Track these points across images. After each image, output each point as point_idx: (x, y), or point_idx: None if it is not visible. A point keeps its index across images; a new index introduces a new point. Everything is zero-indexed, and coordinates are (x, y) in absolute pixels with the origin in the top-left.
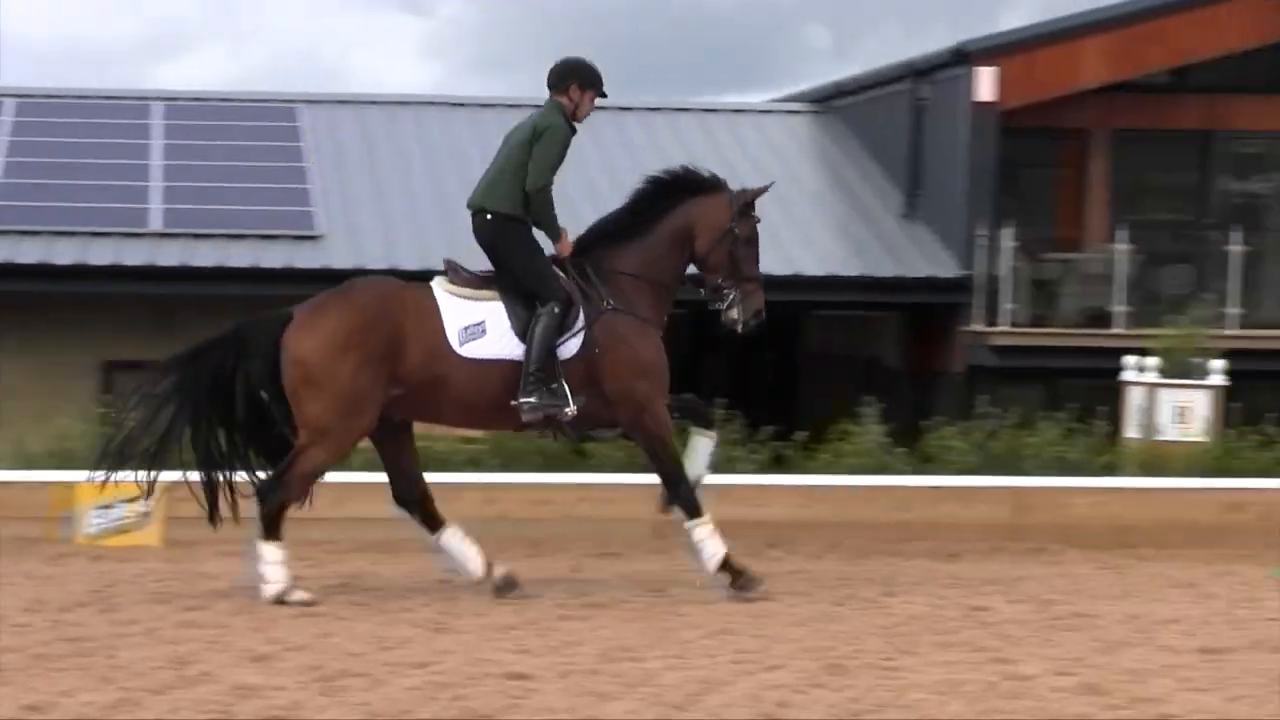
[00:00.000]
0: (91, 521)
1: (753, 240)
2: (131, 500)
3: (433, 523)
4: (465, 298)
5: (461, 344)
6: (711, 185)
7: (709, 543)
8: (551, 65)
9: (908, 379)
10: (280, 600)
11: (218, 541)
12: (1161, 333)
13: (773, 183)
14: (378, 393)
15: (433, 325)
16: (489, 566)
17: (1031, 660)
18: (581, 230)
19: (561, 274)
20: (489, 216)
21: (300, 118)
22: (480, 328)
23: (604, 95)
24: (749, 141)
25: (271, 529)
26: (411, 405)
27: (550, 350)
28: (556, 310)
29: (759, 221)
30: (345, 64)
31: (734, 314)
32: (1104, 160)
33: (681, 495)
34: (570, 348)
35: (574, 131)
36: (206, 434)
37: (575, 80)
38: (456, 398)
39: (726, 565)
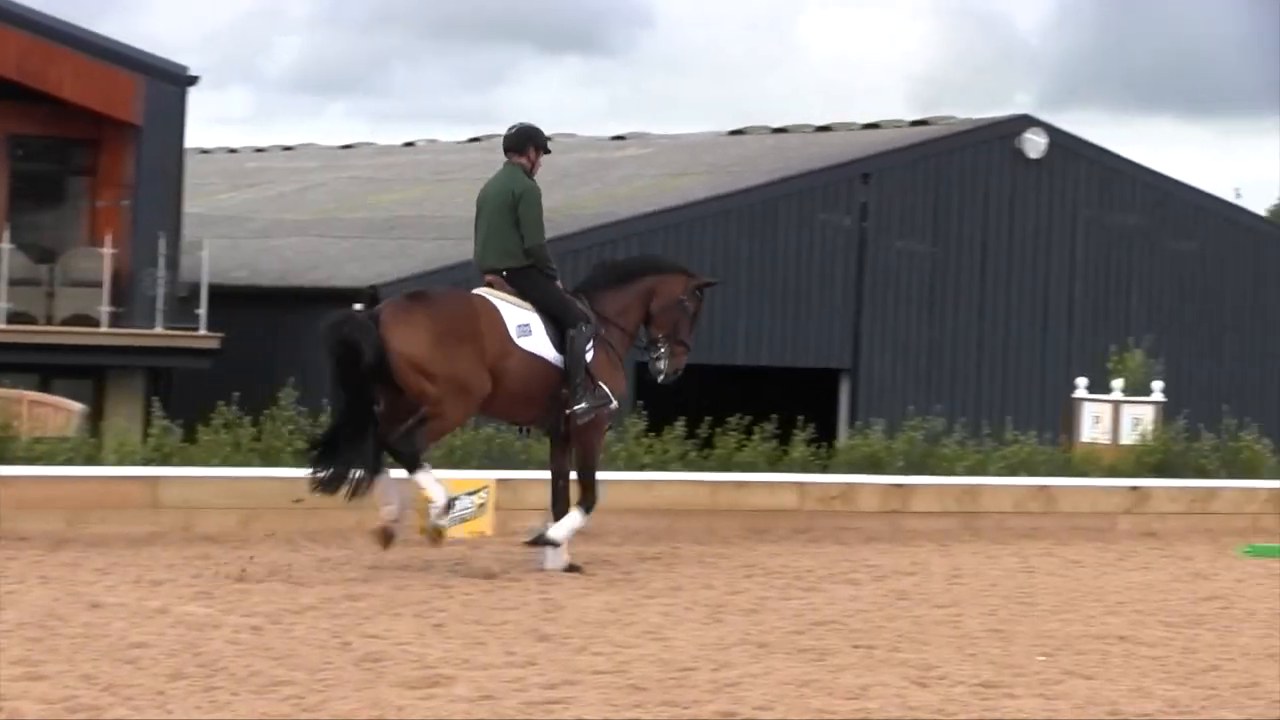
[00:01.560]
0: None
1: (696, 315)
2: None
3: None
4: (513, 304)
5: (518, 338)
6: (680, 269)
7: (568, 529)
8: (509, 131)
9: None
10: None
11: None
12: None
13: (721, 280)
14: (482, 368)
15: (499, 322)
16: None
17: None
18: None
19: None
20: (505, 274)
21: None
22: (528, 328)
23: (548, 152)
24: None
25: (416, 463)
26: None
27: (585, 360)
28: (585, 329)
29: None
30: None
31: (661, 365)
32: None
33: (591, 491)
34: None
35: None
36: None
37: (533, 144)
38: (510, 387)
39: (549, 542)
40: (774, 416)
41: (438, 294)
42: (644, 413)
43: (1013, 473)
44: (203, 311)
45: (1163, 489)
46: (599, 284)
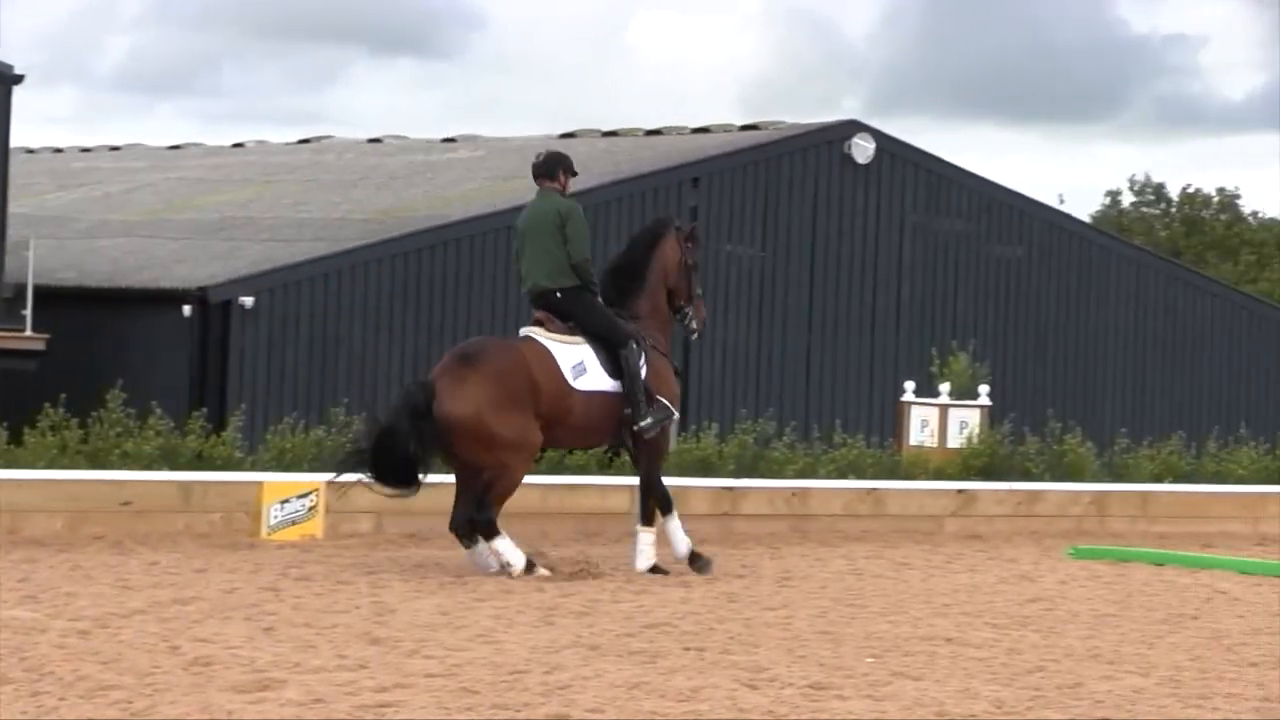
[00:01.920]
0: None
1: (697, 265)
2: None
3: (470, 540)
4: (564, 343)
5: (575, 379)
6: (665, 228)
7: (683, 533)
8: (538, 159)
9: None
10: (530, 569)
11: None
12: None
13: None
14: (535, 426)
15: (554, 368)
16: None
17: None
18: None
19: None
20: (559, 294)
21: None
22: (582, 366)
23: (575, 174)
24: None
25: (493, 531)
26: (545, 435)
27: (640, 378)
28: (636, 347)
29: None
30: None
31: (693, 325)
32: None
33: (657, 494)
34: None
35: None
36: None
37: (561, 168)
38: (575, 424)
39: (694, 555)
40: None
41: (487, 353)
42: None
43: (842, 476)
44: (28, 312)
45: (989, 492)
46: (622, 292)
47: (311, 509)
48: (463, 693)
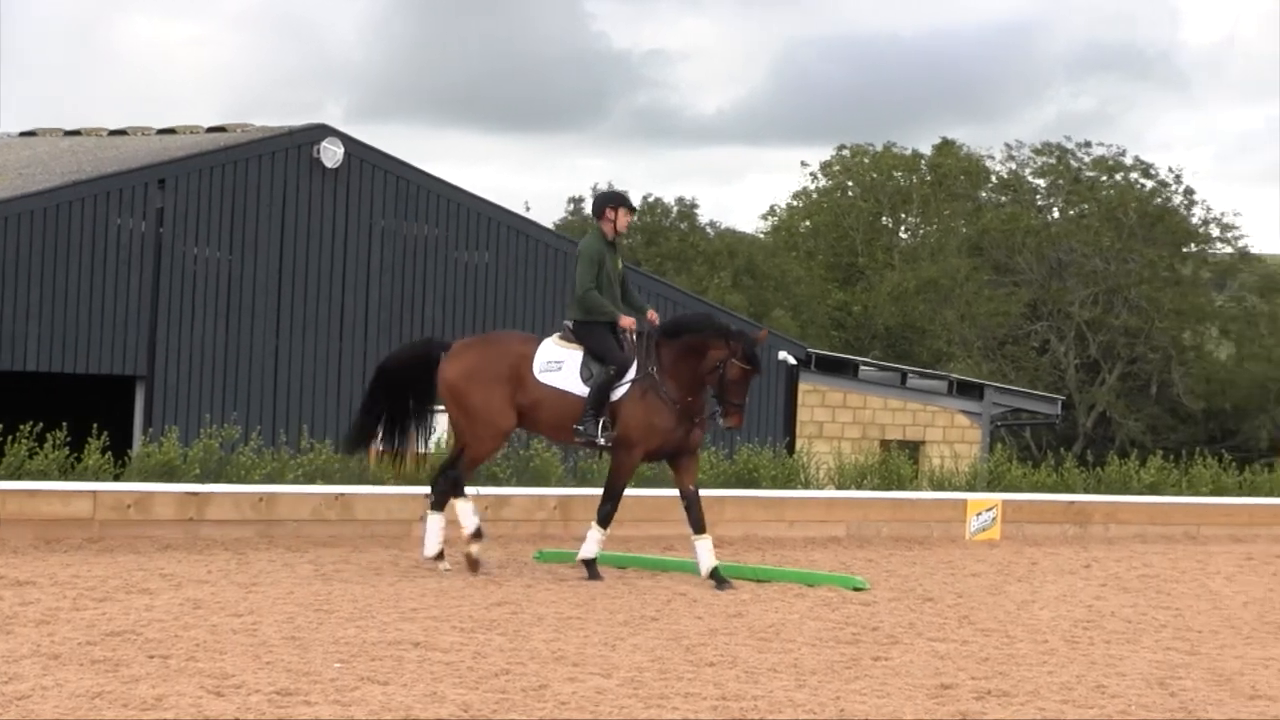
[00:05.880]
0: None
1: (737, 380)
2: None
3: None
4: (557, 345)
5: (539, 373)
6: (717, 335)
7: (594, 544)
8: (595, 196)
9: None
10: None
11: None
12: None
13: (764, 332)
14: (509, 411)
15: (529, 363)
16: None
17: None
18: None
19: (631, 341)
20: (570, 324)
21: None
22: (557, 365)
23: (634, 210)
24: None
25: (459, 491)
26: (524, 418)
27: (603, 396)
28: (611, 372)
29: (752, 371)
30: None
31: (719, 421)
32: None
33: (606, 510)
34: (617, 394)
35: (610, 245)
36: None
37: (610, 204)
38: (543, 415)
39: (592, 562)
40: (66, 424)
41: (494, 338)
42: None
43: (310, 480)
44: None
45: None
46: (663, 335)
47: None
48: None
